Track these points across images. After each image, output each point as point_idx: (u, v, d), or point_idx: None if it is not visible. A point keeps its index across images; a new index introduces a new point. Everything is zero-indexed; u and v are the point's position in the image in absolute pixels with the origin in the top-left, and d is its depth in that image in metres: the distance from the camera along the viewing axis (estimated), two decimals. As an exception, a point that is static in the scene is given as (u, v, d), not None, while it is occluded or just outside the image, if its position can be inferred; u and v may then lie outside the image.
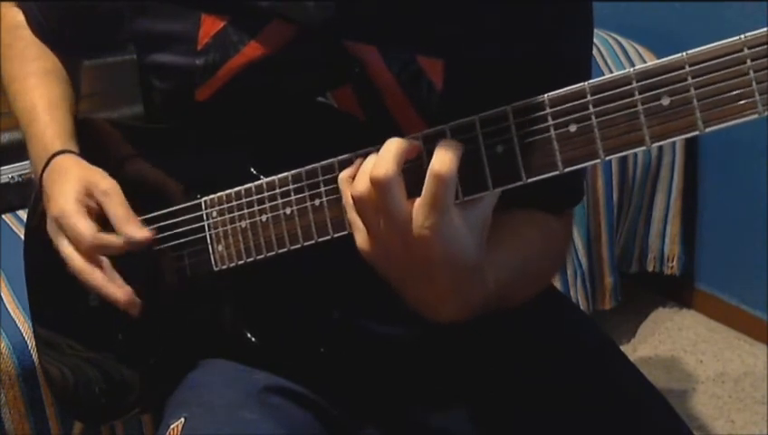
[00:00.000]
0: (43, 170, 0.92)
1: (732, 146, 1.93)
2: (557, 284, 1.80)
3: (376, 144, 0.69)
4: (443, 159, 0.63)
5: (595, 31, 0.89)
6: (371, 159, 0.66)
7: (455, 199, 0.64)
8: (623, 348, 1.09)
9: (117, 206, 0.85)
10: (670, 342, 2.05)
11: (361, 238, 0.68)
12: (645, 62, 1.85)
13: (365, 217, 0.66)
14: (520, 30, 0.80)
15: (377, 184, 0.64)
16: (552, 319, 0.94)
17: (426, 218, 0.63)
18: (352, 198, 0.66)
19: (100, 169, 0.89)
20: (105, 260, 0.86)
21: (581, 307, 1.86)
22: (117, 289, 0.85)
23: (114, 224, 0.84)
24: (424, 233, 0.64)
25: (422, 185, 0.63)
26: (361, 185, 0.65)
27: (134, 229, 0.83)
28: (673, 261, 2.03)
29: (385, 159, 0.64)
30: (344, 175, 0.69)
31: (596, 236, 1.89)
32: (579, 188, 0.94)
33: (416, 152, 0.66)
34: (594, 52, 1.48)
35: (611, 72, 1.86)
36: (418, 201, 0.64)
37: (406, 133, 0.68)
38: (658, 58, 0.59)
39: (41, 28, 1.00)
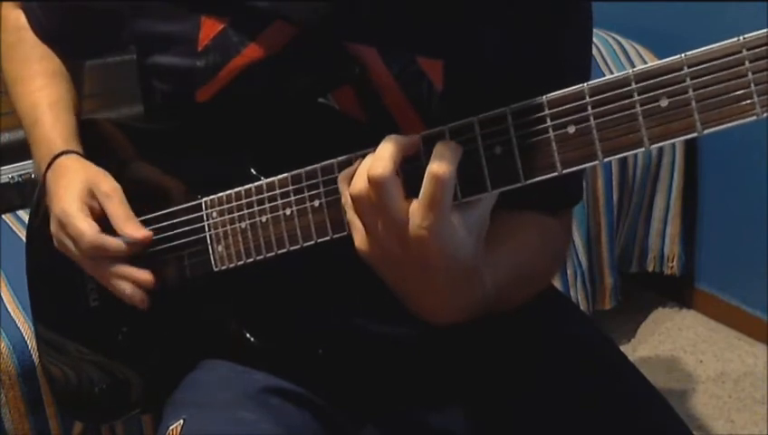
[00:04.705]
0: (46, 170, 0.92)
1: (732, 146, 1.92)
2: (557, 284, 1.80)
3: (376, 145, 0.69)
4: (441, 161, 0.63)
5: (595, 31, 0.89)
6: (369, 157, 0.66)
7: (453, 200, 0.64)
8: (623, 348, 1.09)
9: (117, 207, 0.86)
10: (670, 342, 2.05)
11: (359, 238, 0.68)
12: (645, 62, 1.86)
13: (363, 217, 0.67)
14: (519, 30, 0.80)
15: (374, 183, 0.64)
16: (551, 319, 0.94)
17: (423, 219, 0.63)
18: (350, 197, 0.66)
19: (104, 171, 0.90)
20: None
21: (581, 307, 1.86)
22: (137, 272, 0.85)
23: (114, 224, 0.85)
24: (421, 233, 0.64)
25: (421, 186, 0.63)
26: (359, 184, 0.65)
27: (133, 229, 0.85)
28: (673, 261, 2.03)
29: (382, 157, 0.64)
30: (343, 175, 0.69)
31: (596, 236, 1.89)
32: (577, 188, 0.94)
33: (414, 148, 0.66)
34: (594, 52, 1.47)
35: (611, 72, 1.86)
36: (416, 201, 0.64)
37: (406, 134, 0.68)
38: (658, 58, 0.59)
39: (42, 29, 1.00)
